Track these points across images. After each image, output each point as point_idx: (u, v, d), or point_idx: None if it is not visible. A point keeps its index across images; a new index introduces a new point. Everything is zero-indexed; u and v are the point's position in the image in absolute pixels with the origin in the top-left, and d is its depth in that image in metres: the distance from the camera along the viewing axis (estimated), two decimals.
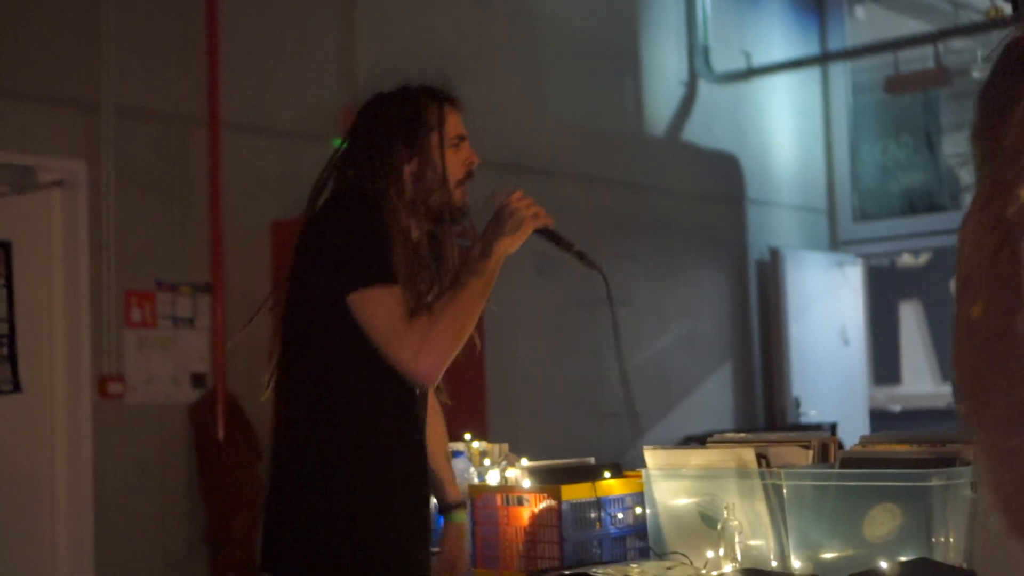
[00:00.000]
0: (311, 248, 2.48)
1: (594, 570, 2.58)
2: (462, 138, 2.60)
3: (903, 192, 9.88)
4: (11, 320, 5.30)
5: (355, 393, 2.43)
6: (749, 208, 9.25)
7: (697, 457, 2.67)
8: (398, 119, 2.55)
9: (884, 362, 12.04)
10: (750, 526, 2.52)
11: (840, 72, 10.09)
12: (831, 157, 10.13)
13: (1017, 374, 1.31)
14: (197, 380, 5.86)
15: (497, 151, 6.75)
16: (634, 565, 2.61)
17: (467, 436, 3.36)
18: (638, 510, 2.85)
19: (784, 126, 9.74)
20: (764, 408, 9.21)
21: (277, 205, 6.12)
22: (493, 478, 3.09)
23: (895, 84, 8.43)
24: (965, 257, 1.39)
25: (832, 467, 2.52)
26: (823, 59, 9.92)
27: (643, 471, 2.76)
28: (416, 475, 2.53)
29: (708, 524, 2.59)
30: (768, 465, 2.56)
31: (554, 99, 7.79)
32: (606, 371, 7.27)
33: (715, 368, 8.85)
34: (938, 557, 2.27)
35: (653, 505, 2.72)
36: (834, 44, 9.98)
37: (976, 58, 8.91)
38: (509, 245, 2.48)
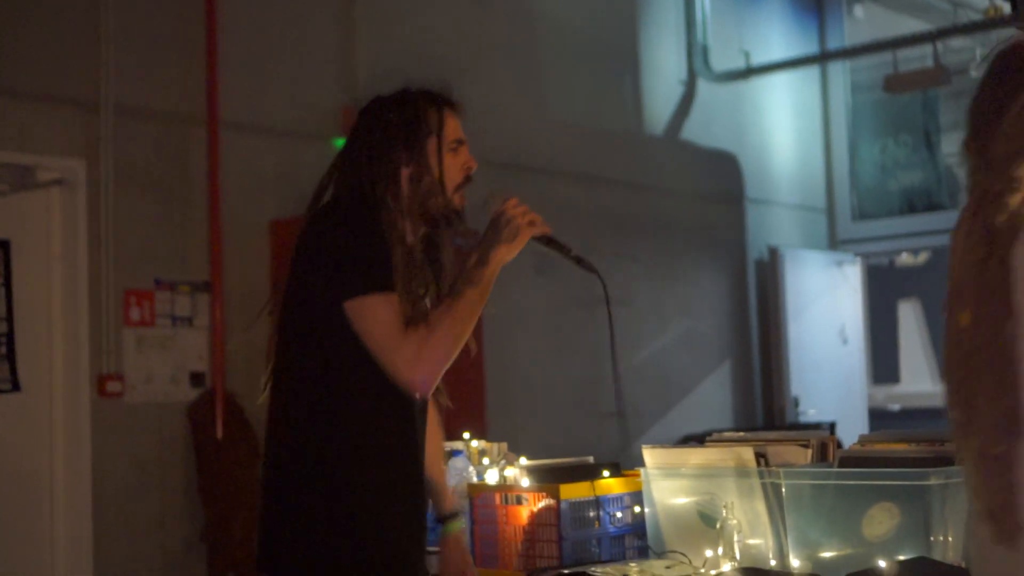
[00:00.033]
0: (311, 249, 2.47)
1: (593, 569, 2.58)
2: (461, 142, 2.59)
3: (902, 191, 9.87)
4: (10, 319, 5.30)
5: (354, 394, 2.43)
6: (748, 207, 9.25)
7: (696, 456, 2.67)
8: (397, 122, 2.54)
9: (883, 361, 12.02)
10: (749, 525, 2.53)
11: (839, 71, 10.09)
12: (830, 156, 10.13)
13: (1005, 381, 1.31)
14: (196, 379, 5.86)
15: (497, 151, 6.76)
16: (633, 564, 2.61)
17: (466, 435, 3.36)
18: (637, 509, 2.85)
19: (783, 125, 9.73)
20: (763, 407, 9.21)
21: (276, 205, 6.12)
22: (492, 477, 3.09)
23: (894, 83, 8.42)
24: (955, 265, 1.40)
25: (831, 466, 2.52)
26: (822, 58, 9.91)
27: (642, 470, 2.76)
28: (415, 475, 2.53)
29: (707, 523, 2.60)
30: (767, 464, 2.56)
31: (554, 99, 7.79)
32: (605, 371, 7.26)
33: (714, 367, 8.85)
34: (936, 556, 2.27)
35: (652, 504, 2.72)
36: (833, 43, 9.98)
37: (975, 57, 8.90)
38: (506, 254, 2.47)
